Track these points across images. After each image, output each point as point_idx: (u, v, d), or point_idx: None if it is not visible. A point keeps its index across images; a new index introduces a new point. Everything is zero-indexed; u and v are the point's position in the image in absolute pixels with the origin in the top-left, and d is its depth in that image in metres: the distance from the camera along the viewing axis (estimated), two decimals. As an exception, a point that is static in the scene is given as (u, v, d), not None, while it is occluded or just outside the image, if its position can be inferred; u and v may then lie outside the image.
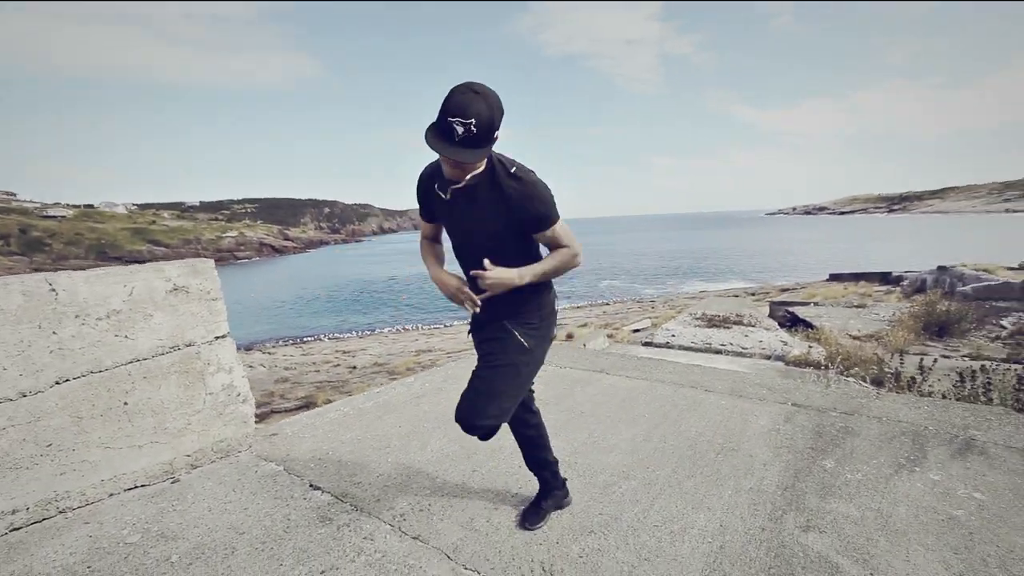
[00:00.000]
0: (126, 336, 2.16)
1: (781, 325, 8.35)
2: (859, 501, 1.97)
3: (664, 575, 1.59)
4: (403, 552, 1.74)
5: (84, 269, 2.12)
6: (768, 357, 5.78)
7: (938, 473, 2.18)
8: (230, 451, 2.51)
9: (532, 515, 1.88)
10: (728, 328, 7.23)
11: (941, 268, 12.21)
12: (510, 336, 1.63)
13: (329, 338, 19.88)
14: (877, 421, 2.74)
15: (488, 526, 1.87)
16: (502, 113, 1.38)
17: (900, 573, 1.57)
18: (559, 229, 1.56)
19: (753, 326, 7.35)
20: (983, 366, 3.92)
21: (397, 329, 21.02)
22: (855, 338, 7.05)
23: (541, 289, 1.68)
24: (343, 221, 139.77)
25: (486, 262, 1.53)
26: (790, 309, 9.69)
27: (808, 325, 8.16)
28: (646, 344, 6.74)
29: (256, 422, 2.68)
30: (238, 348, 2.63)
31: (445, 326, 20.27)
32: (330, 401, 3.73)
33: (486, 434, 1.63)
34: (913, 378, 3.96)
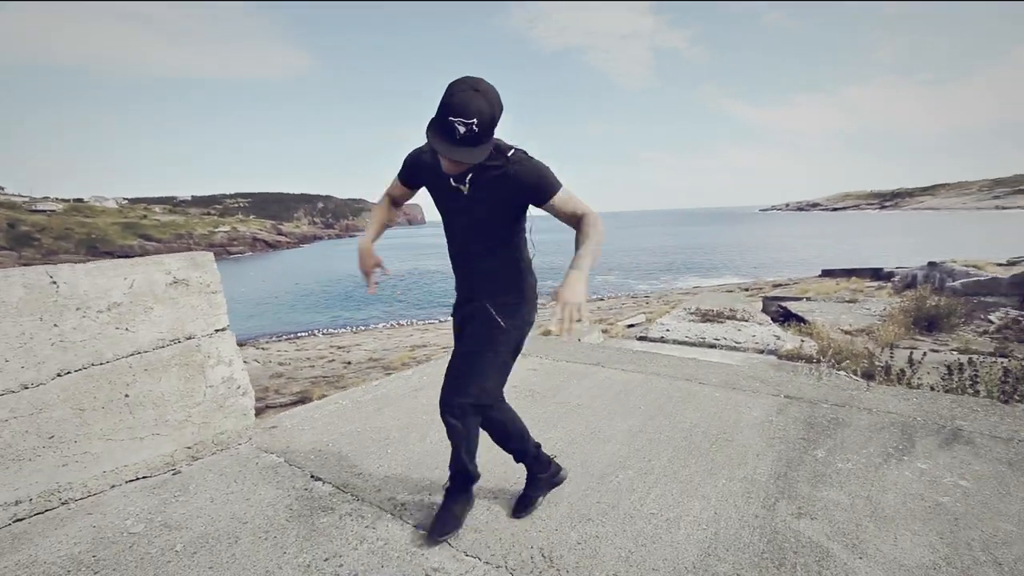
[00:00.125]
0: (127, 329, 2.17)
1: (774, 320, 8.43)
2: (849, 489, 2.03)
3: (661, 560, 1.63)
4: (405, 540, 1.77)
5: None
6: (761, 351, 5.84)
7: (925, 462, 2.24)
8: (230, 443, 2.52)
9: (520, 504, 1.92)
10: (722, 323, 7.29)
11: (931, 264, 12.35)
12: (487, 314, 1.67)
13: (323, 333, 19.82)
14: (867, 412, 2.80)
15: (488, 514, 1.90)
16: (502, 109, 1.40)
17: (888, 557, 1.62)
18: (571, 193, 1.55)
19: (746, 321, 7.42)
20: (970, 359, 3.99)
21: (392, 324, 20.98)
22: (847, 332, 7.14)
23: (515, 271, 1.71)
24: (337, 216, 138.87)
25: (556, 291, 1.37)
26: (783, 304, 9.77)
27: (801, 320, 8.24)
28: (641, 339, 6.78)
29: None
30: (237, 342, 2.64)
31: (440, 321, 20.26)
32: (326, 396, 3.75)
33: (462, 413, 1.63)
34: (903, 371, 4.03)
